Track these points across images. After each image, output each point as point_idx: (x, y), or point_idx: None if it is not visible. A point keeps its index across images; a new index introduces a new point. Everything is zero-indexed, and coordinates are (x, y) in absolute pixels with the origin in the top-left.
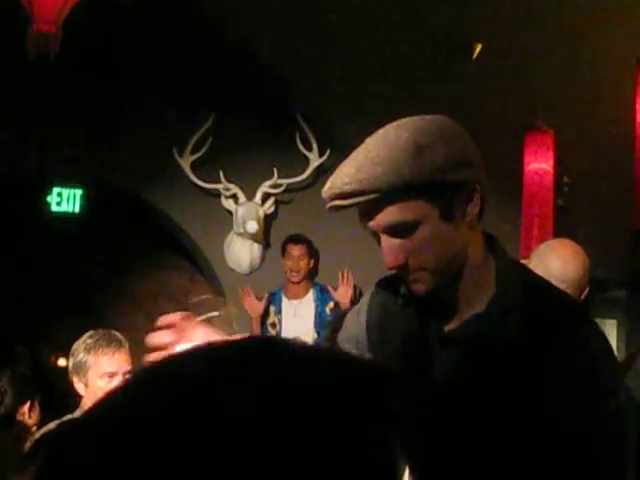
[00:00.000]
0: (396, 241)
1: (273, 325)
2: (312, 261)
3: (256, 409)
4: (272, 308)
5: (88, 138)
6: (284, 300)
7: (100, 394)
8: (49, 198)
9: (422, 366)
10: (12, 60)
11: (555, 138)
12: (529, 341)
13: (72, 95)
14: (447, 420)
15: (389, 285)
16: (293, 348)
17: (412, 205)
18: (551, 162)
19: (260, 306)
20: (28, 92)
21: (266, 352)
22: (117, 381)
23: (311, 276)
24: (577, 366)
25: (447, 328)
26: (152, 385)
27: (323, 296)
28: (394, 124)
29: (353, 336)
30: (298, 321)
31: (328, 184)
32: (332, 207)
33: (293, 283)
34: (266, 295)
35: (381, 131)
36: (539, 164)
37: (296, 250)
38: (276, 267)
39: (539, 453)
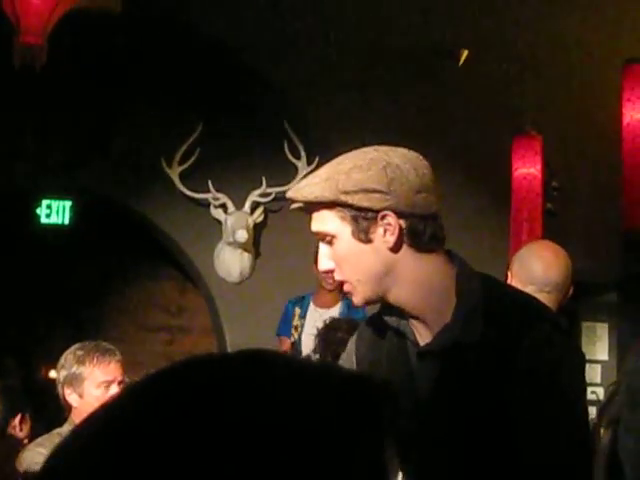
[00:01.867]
0: (325, 248)
1: (295, 328)
2: None
3: (254, 418)
4: (298, 311)
5: (76, 149)
6: (311, 306)
7: (96, 404)
8: (38, 210)
9: (404, 382)
10: None
11: (543, 143)
12: (492, 345)
13: (59, 106)
14: (430, 429)
15: (378, 316)
16: (283, 360)
17: (326, 218)
18: (539, 166)
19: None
20: (15, 104)
21: (256, 364)
22: (113, 390)
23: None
24: (537, 366)
25: (423, 343)
26: (145, 399)
27: (349, 312)
28: (354, 151)
29: (343, 362)
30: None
31: None
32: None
33: (326, 290)
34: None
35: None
36: (527, 169)
37: None
38: (267, 275)
39: (511, 453)
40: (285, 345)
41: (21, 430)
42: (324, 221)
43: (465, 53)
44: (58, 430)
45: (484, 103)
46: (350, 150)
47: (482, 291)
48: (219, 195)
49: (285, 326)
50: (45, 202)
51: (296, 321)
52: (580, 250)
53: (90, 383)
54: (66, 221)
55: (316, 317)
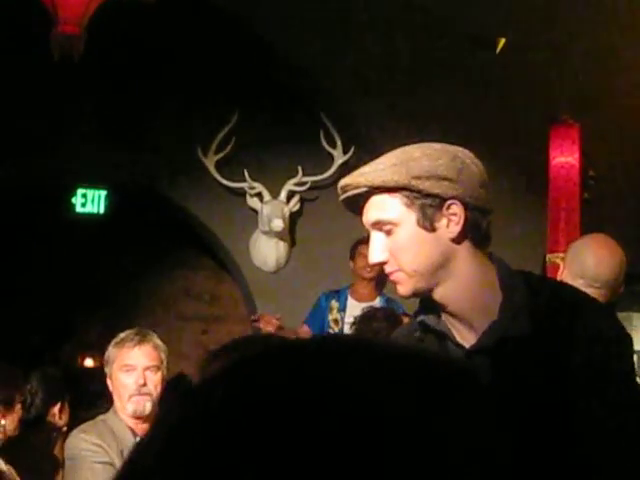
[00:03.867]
0: (380, 238)
1: (335, 322)
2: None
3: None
4: (335, 304)
5: (112, 139)
6: (350, 300)
7: (121, 389)
8: (73, 199)
9: None
10: (36, 62)
11: (580, 131)
12: (541, 338)
13: (95, 96)
14: None
15: (415, 320)
16: (382, 346)
17: (390, 205)
18: (577, 155)
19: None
20: (52, 94)
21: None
22: (136, 376)
23: (378, 283)
24: (591, 355)
25: (467, 343)
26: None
27: (388, 305)
28: (415, 144)
29: None
30: None
31: None
32: (343, 204)
33: (364, 280)
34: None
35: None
36: (565, 158)
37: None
38: (302, 264)
39: (571, 446)
40: (303, 334)
41: (60, 418)
42: (386, 208)
43: (502, 41)
44: (102, 417)
45: (521, 92)
46: (386, 138)
47: (525, 286)
48: (255, 184)
49: (313, 318)
50: (80, 191)
51: (334, 315)
52: (616, 239)
53: (116, 366)
54: (101, 210)
55: (357, 310)
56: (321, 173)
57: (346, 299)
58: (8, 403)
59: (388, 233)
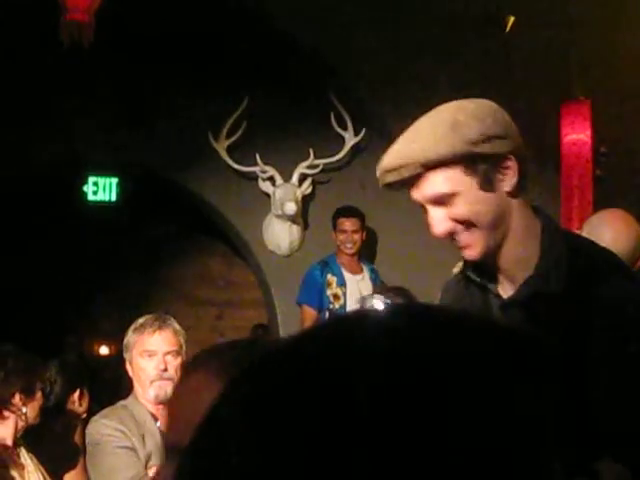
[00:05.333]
0: (440, 211)
1: (336, 297)
2: (364, 234)
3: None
4: (332, 278)
5: (122, 125)
6: (346, 273)
7: (142, 374)
8: (85, 187)
9: None
10: (46, 50)
11: (591, 108)
12: (572, 297)
13: (105, 82)
14: None
15: (461, 272)
16: (440, 313)
17: (449, 177)
18: (589, 132)
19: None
20: (61, 81)
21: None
22: (157, 362)
23: (361, 253)
24: (615, 319)
25: (506, 295)
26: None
27: (376, 277)
28: (442, 106)
29: None
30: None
31: (379, 163)
32: (383, 185)
33: (347, 255)
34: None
35: (430, 112)
36: (577, 135)
37: (349, 224)
38: (316, 247)
39: (588, 403)
40: (308, 316)
41: (80, 405)
42: (442, 182)
43: (512, 19)
44: (122, 402)
45: (532, 70)
46: (397, 119)
47: (565, 245)
48: (267, 168)
49: (311, 293)
50: (92, 179)
51: (334, 289)
52: None
53: (136, 351)
54: (113, 198)
55: (354, 283)
56: (332, 155)
57: (342, 272)
58: (29, 391)
59: (448, 204)
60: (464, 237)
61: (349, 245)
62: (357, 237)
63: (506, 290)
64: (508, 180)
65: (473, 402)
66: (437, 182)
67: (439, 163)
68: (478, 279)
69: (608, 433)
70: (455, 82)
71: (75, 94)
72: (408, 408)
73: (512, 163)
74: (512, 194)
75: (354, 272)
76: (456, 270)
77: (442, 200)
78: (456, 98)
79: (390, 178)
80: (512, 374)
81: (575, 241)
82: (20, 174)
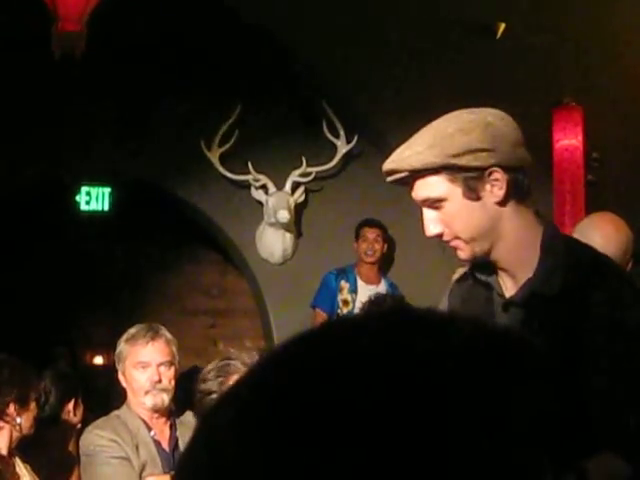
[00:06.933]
0: (432, 213)
1: (345, 302)
2: (385, 246)
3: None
4: (345, 285)
5: (115, 135)
6: (360, 282)
7: (135, 385)
8: (78, 197)
9: None
10: (38, 61)
11: (583, 114)
12: (569, 298)
13: (97, 93)
14: None
15: (468, 272)
16: (426, 315)
17: (435, 183)
18: (580, 138)
19: None
20: (54, 91)
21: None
22: (150, 372)
23: (381, 266)
24: (608, 319)
25: (508, 294)
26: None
27: (394, 292)
28: (448, 114)
29: None
30: None
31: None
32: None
33: (367, 264)
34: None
35: (438, 119)
36: (568, 140)
37: (371, 233)
38: (309, 255)
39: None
40: (319, 319)
41: (75, 415)
42: (432, 187)
43: (502, 26)
44: (116, 412)
45: (523, 75)
46: (389, 126)
47: (565, 249)
48: (259, 176)
49: (323, 299)
50: (84, 189)
51: (345, 295)
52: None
53: (129, 363)
54: (106, 207)
55: (367, 292)
56: (325, 163)
57: (356, 280)
58: (23, 401)
59: (438, 208)
60: (453, 241)
61: (369, 252)
62: (378, 246)
63: (509, 290)
64: (496, 191)
65: (470, 402)
66: (425, 187)
67: (424, 171)
68: (483, 278)
69: (602, 432)
70: (445, 89)
71: (68, 103)
72: (407, 408)
73: (500, 175)
74: (501, 204)
75: (369, 282)
76: (456, 276)
77: (432, 204)
78: (447, 106)
79: (389, 179)
80: (506, 375)
81: (574, 245)
82: (12, 183)
